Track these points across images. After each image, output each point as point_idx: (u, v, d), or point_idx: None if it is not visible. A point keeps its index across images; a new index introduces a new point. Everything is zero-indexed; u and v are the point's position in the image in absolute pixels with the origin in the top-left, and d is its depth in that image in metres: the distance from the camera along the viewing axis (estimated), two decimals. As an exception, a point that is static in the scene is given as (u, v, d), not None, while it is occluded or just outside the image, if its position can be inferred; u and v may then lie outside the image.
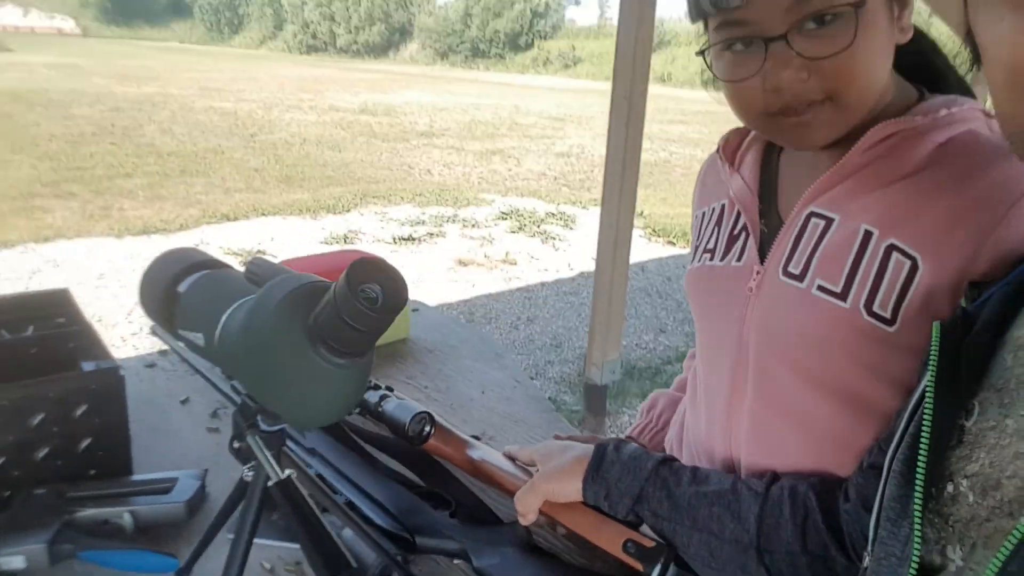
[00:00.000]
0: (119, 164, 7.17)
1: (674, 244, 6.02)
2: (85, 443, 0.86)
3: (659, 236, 6.21)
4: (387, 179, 7.56)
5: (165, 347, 1.31)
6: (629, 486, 0.70)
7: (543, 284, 4.78)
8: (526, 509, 0.76)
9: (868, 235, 0.64)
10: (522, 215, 6.48)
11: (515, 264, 5.17)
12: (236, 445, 0.59)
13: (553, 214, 6.63)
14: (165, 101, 11.79)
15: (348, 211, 6.26)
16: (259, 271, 0.57)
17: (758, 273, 0.71)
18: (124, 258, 4.65)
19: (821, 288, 0.65)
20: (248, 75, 18.26)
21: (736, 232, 0.76)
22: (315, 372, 0.50)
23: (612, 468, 0.72)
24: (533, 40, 29.79)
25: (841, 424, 0.68)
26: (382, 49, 33.81)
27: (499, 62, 27.71)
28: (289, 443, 0.93)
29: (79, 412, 0.85)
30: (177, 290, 0.63)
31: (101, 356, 0.96)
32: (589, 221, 6.51)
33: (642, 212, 6.86)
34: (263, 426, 0.60)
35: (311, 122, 10.87)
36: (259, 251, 5.11)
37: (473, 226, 6.07)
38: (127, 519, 0.80)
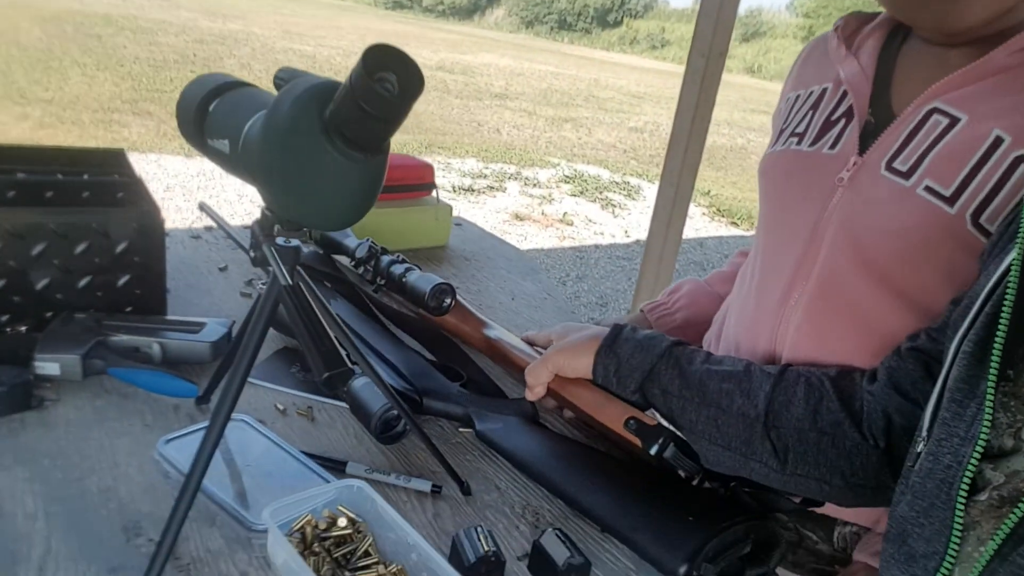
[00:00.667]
0: (198, 91, 7.38)
1: (737, 225, 5.88)
2: (124, 279, 0.90)
3: (723, 216, 6.07)
4: (455, 132, 7.58)
5: (212, 224, 1.35)
6: (641, 362, 0.69)
7: (597, 246, 4.75)
8: (535, 381, 0.76)
9: (998, 141, 0.60)
10: (586, 180, 6.42)
11: (571, 224, 5.14)
12: (252, 254, 0.61)
13: (617, 183, 6.55)
14: (247, 39, 12.06)
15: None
16: (286, 76, 0.58)
17: (855, 164, 0.68)
18: (191, 175, 4.80)
19: (929, 189, 0.62)
20: (332, 23, 18.48)
21: (835, 118, 0.72)
22: (331, 166, 0.51)
23: (625, 345, 0.71)
24: (622, 18, 29.08)
25: (901, 326, 0.65)
26: (467, 12, 33.65)
27: (585, 36, 27.24)
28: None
29: (120, 248, 0.89)
30: (208, 109, 0.65)
31: (148, 206, 1.00)
32: (653, 194, 6.40)
33: (709, 192, 6.72)
34: (279, 240, 0.61)
35: (387, 72, 10.94)
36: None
37: (535, 185, 6.05)
38: (155, 349, 0.83)
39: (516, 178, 6.18)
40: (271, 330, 0.69)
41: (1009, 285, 0.42)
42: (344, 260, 1.06)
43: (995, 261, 0.48)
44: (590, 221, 5.31)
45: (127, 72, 7.70)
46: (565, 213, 5.36)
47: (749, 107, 13.20)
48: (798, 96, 0.79)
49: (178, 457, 0.68)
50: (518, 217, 5.10)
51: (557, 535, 0.62)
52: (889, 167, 0.65)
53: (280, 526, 0.58)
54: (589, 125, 9.32)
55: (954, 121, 0.63)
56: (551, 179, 6.34)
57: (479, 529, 0.61)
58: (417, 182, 1.37)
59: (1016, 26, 0.62)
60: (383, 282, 0.93)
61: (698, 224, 5.70)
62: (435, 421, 0.82)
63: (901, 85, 0.70)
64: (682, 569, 0.60)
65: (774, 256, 0.75)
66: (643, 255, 2.95)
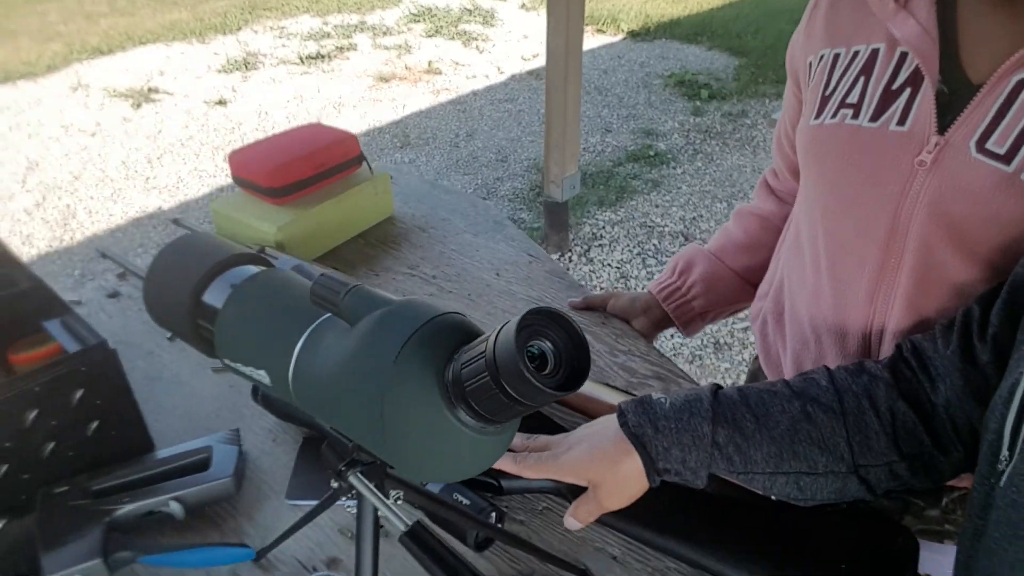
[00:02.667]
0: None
1: (603, 32, 5.68)
2: (93, 427, 0.75)
3: (586, 24, 5.82)
4: (275, -16, 6.66)
5: (120, 268, 1.13)
6: (698, 458, 0.60)
7: (475, 93, 4.49)
8: (584, 522, 0.65)
9: None
10: (436, 15, 5.91)
11: (440, 73, 4.80)
12: (335, 484, 0.50)
13: (469, 10, 6.08)
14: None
15: (239, 29, 5.55)
16: (330, 295, 0.42)
17: (937, 145, 0.59)
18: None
19: None
20: None
21: (896, 87, 0.62)
22: (446, 435, 0.39)
23: (670, 453, 0.60)
24: None
25: None
26: None
27: None
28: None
29: (76, 397, 0.72)
30: (204, 301, 0.50)
31: (59, 310, 0.82)
32: (509, 15, 6.01)
33: None
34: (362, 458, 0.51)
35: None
36: (150, 88, 4.54)
37: (385, 33, 5.52)
38: (175, 507, 0.71)
39: (362, 29, 5.60)
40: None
41: None
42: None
43: None
44: (458, 64, 4.97)
45: None
46: (430, 62, 4.97)
47: None
48: (836, 56, 0.68)
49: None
50: (383, 79, 4.69)
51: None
52: (981, 148, 0.58)
53: None
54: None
55: None
56: (399, 21, 5.80)
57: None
58: (344, 159, 1.18)
59: None
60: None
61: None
62: (520, 495, 0.76)
63: (972, 49, 0.60)
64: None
65: (848, 243, 0.69)
66: (545, 110, 2.80)
